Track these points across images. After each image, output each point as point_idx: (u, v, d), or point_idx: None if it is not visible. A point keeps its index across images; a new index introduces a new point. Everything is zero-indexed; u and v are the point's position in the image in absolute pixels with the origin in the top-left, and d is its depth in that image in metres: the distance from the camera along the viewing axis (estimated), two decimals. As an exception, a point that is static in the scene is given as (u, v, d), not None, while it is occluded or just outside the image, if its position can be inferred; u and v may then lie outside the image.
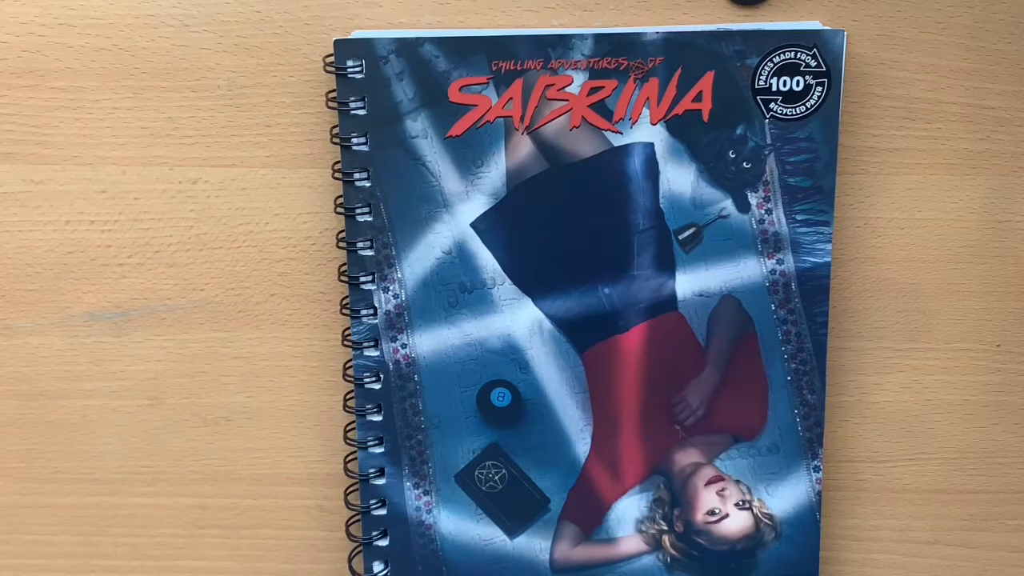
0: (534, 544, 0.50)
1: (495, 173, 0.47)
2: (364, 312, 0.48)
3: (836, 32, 0.45)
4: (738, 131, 0.46)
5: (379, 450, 0.49)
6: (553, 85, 0.46)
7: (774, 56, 0.45)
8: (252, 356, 0.50)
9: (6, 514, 0.52)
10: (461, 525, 0.50)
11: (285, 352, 0.50)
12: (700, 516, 0.49)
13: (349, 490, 0.50)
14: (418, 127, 0.46)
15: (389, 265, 0.47)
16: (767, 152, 0.46)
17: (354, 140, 0.46)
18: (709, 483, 0.49)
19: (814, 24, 0.46)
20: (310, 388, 0.50)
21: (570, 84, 0.46)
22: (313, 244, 0.49)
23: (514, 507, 0.49)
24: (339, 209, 0.47)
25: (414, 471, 0.49)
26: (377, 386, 0.49)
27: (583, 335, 0.48)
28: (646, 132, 0.46)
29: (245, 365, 0.50)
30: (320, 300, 0.49)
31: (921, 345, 0.50)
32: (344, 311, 0.48)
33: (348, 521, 0.50)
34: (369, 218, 0.47)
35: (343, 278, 0.48)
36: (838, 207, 0.48)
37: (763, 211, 0.47)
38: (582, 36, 0.46)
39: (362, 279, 0.48)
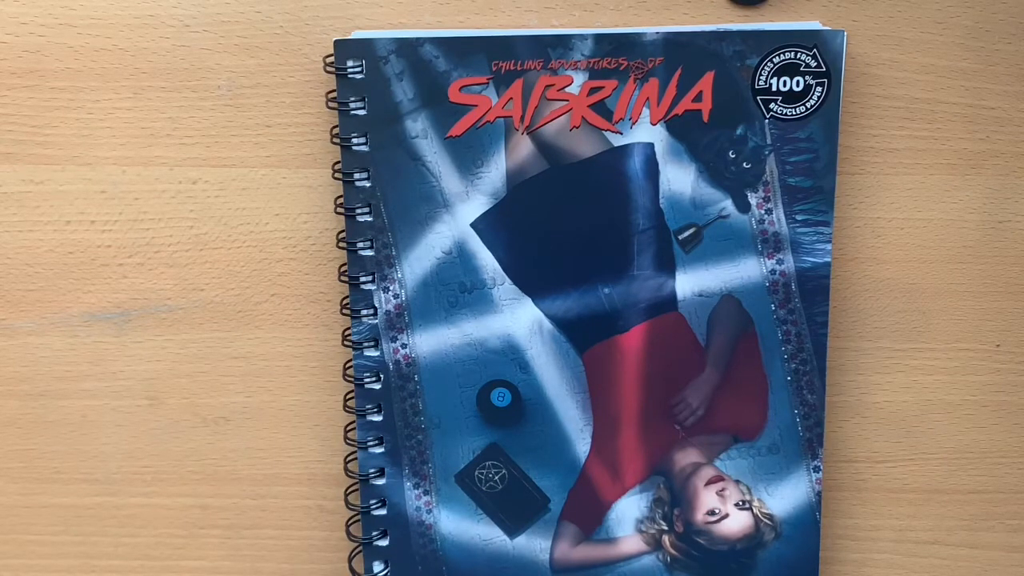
0: (534, 544, 0.50)
1: (495, 173, 0.47)
2: (364, 312, 0.48)
3: (836, 32, 0.45)
4: (738, 131, 0.46)
5: (379, 450, 0.49)
6: (553, 85, 0.46)
7: (774, 56, 0.45)
8: (252, 356, 0.50)
9: (6, 514, 0.52)
10: (461, 525, 0.50)
11: (285, 352, 0.50)
12: (700, 516, 0.49)
13: (349, 490, 0.50)
14: (418, 127, 0.46)
15: (389, 265, 0.47)
16: (767, 152, 0.46)
17: (354, 140, 0.46)
18: (709, 483, 0.49)
19: (814, 24, 0.46)
20: (310, 388, 0.50)
21: (570, 84, 0.46)
22: (313, 244, 0.49)
23: (514, 507, 0.49)
24: (339, 209, 0.47)
25: (414, 471, 0.49)
26: (377, 386, 0.49)
27: (583, 335, 0.48)
28: (646, 132, 0.46)
29: (245, 365, 0.50)
30: (320, 300, 0.49)
31: (921, 345, 0.50)
32: (344, 311, 0.48)
33: (348, 521, 0.50)
34: (369, 218, 0.47)
35: (343, 278, 0.48)
36: (838, 207, 0.48)
37: (763, 211, 0.47)
38: (582, 36, 0.46)
39: (362, 279, 0.48)
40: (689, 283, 0.47)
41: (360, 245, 0.47)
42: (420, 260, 0.47)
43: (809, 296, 0.47)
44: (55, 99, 0.48)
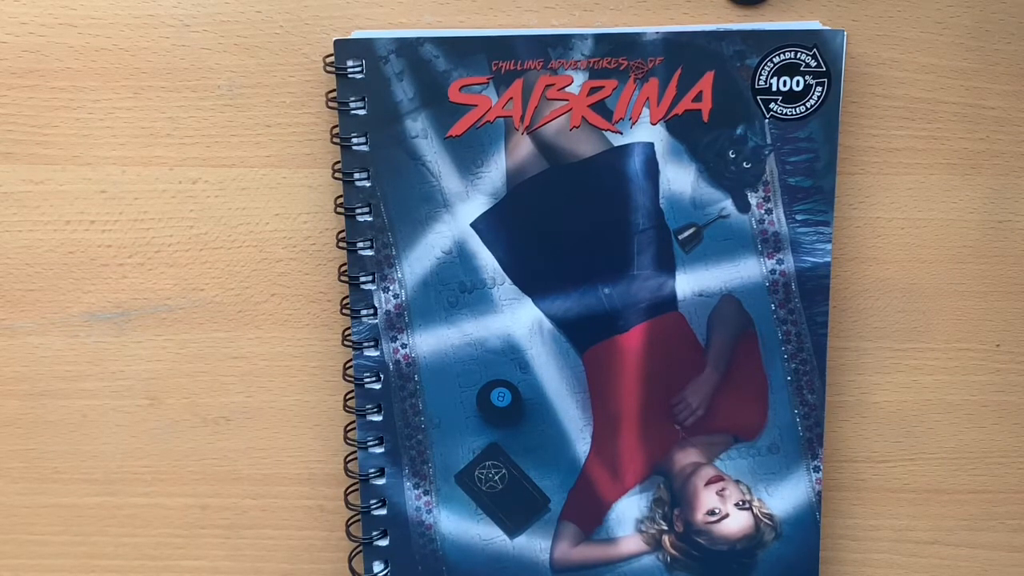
0: (534, 544, 0.50)
1: (495, 173, 0.47)
2: (364, 312, 0.48)
3: (836, 32, 0.45)
4: (738, 131, 0.46)
5: (379, 450, 0.49)
6: (553, 85, 0.46)
7: (774, 56, 0.45)
8: (252, 356, 0.50)
9: (6, 514, 0.52)
10: (461, 525, 0.50)
11: (285, 352, 0.50)
12: (700, 516, 0.49)
13: (349, 490, 0.50)
14: (418, 127, 0.46)
15: (389, 265, 0.47)
16: (767, 152, 0.46)
17: (354, 140, 0.46)
18: (709, 483, 0.49)
19: (814, 24, 0.46)
20: (310, 388, 0.50)
21: (570, 84, 0.46)
22: (313, 244, 0.49)
23: (514, 507, 0.49)
24: (339, 209, 0.47)
25: (414, 471, 0.49)
26: (377, 386, 0.49)
27: (583, 335, 0.48)
28: (646, 132, 0.46)
29: (245, 365, 0.50)
30: (320, 300, 0.49)
31: (921, 345, 0.50)
32: (344, 311, 0.48)
33: (348, 521, 0.50)
34: (369, 218, 0.47)
35: (343, 278, 0.48)
36: (838, 207, 0.48)
37: (763, 211, 0.47)
38: (582, 36, 0.46)
39: (362, 279, 0.48)
40: (689, 283, 0.47)
41: (360, 245, 0.47)
42: (420, 260, 0.47)
43: (809, 296, 0.47)
44: (55, 99, 0.48)
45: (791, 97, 0.46)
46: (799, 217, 0.47)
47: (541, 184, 0.47)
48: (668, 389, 0.48)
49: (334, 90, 0.47)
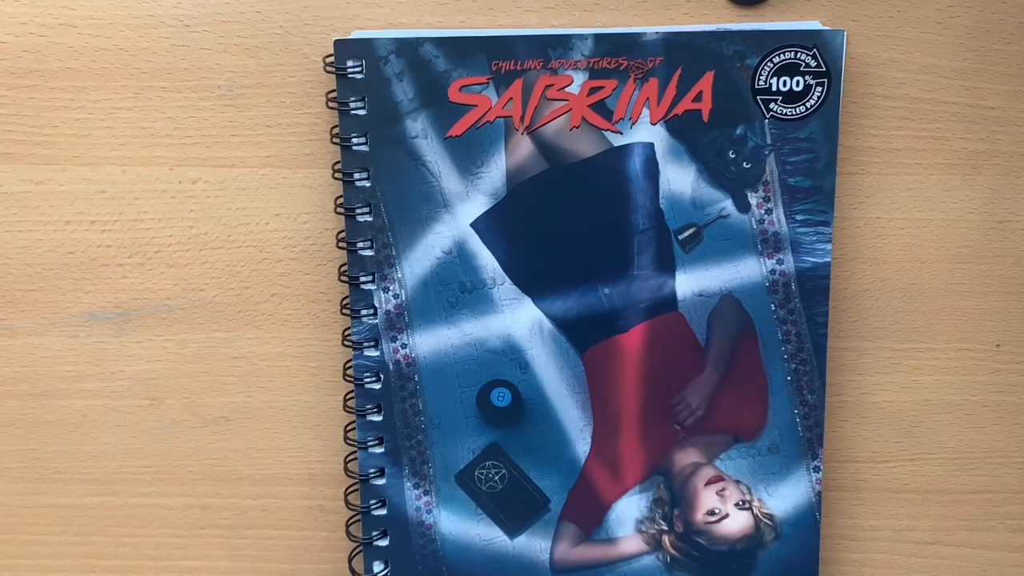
0: (534, 544, 0.50)
1: (495, 173, 0.47)
2: (364, 312, 0.48)
3: (836, 32, 0.45)
4: (738, 131, 0.46)
5: (379, 450, 0.49)
6: (553, 85, 0.46)
7: (774, 56, 0.45)
8: (252, 356, 0.50)
9: (6, 514, 0.52)
10: (461, 525, 0.50)
11: (285, 352, 0.50)
12: (700, 516, 0.49)
13: (349, 490, 0.50)
14: (418, 127, 0.46)
15: (389, 265, 0.47)
16: (767, 152, 0.46)
17: (354, 140, 0.46)
18: (709, 483, 0.49)
19: (814, 24, 0.46)
20: (310, 388, 0.50)
21: (570, 84, 0.46)
22: (313, 244, 0.49)
23: (514, 507, 0.49)
24: (339, 209, 0.47)
25: (414, 471, 0.49)
26: (377, 386, 0.49)
27: (583, 335, 0.48)
28: (646, 132, 0.46)
29: (245, 365, 0.50)
30: (320, 300, 0.49)
31: (921, 345, 0.50)
32: (344, 311, 0.48)
33: (348, 521, 0.50)
34: (369, 218, 0.47)
35: (343, 278, 0.48)
36: (838, 207, 0.48)
37: (763, 211, 0.47)
38: (582, 36, 0.46)
39: (362, 279, 0.48)
40: (689, 283, 0.47)
41: (360, 245, 0.47)
42: (420, 260, 0.47)
43: (809, 296, 0.47)
44: (55, 99, 0.48)
45: (791, 97, 0.46)
46: (799, 217, 0.47)
47: (541, 184, 0.47)
48: (668, 389, 0.48)
49: (334, 90, 0.47)
